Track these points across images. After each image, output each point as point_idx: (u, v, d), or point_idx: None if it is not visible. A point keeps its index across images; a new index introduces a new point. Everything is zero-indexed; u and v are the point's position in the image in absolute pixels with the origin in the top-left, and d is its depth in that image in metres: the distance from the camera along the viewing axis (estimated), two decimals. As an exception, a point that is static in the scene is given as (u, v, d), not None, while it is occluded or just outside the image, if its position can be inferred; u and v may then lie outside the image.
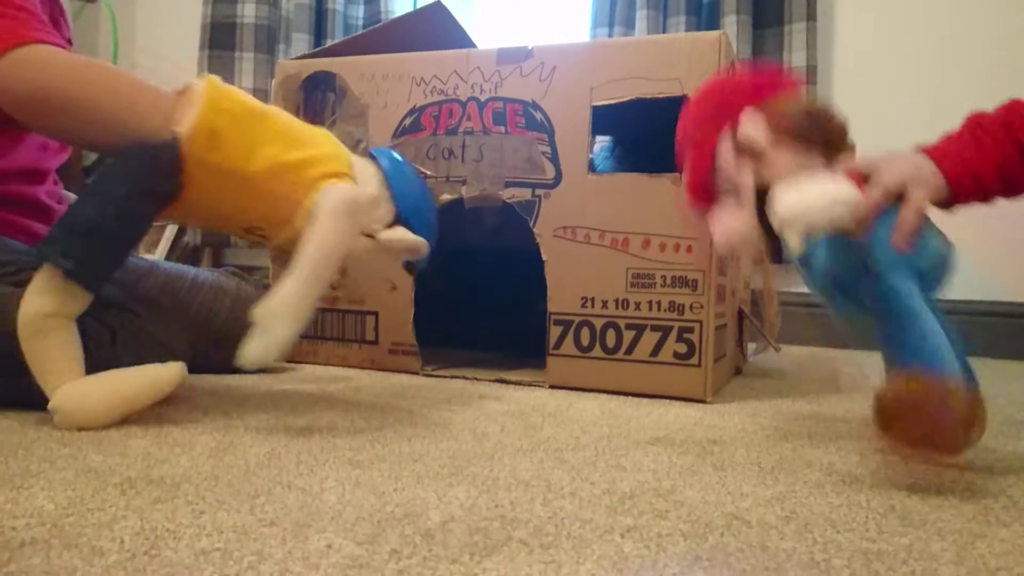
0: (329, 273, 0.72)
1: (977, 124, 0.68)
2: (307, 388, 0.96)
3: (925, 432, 0.55)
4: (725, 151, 0.69)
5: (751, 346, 1.44)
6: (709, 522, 0.49)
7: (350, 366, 1.18)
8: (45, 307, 0.68)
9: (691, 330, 0.99)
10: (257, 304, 0.68)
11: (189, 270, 1.11)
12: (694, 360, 0.98)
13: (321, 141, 0.81)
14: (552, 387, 1.04)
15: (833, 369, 1.37)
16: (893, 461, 0.66)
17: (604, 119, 1.06)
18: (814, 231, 0.62)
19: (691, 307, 0.99)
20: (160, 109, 0.75)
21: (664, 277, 1.00)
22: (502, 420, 0.80)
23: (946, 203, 0.66)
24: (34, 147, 0.95)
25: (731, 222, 0.69)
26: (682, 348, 0.99)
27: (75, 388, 0.69)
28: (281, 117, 0.80)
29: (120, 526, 0.44)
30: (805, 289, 1.91)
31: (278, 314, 0.68)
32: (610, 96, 1.03)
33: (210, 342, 1.02)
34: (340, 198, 0.73)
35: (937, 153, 0.66)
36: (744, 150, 0.67)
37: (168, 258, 2.16)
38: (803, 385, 1.14)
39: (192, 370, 0.85)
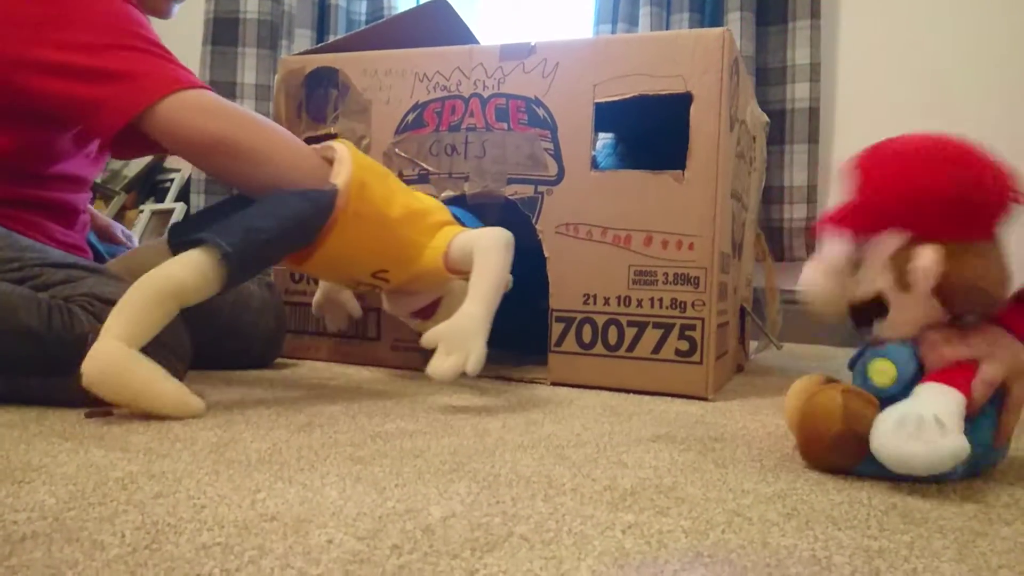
0: (500, 296, 0.86)
1: None
2: (309, 384, 0.96)
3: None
4: (885, 248, 0.64)
5: (753, 344, 1.44)
6: (710, 519, 0.49)
7: (352, 363, 1.19)
8: (179, 278, 0.73)
9: (693, 327, 0.99)
10: (436, 327, 0.82)
11: None
12: (696, 357, 0.98)
13: (423, 196, 0.97)
14: (554, 384, 1.04)
15: (835, 368, 1.37)
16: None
17: (607, 116, 1.06)
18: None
19: (693, 304, 0.99)
20: (316, 165, 0.87)
21: (666, 274, 1.00)
22: (503, 417, 0.80)
23: None
24: (82, 155, 0.97)
25: (825, 285, 0.67)
26: (684, 345, 0.99)
27: (121, 351, 0.69)
28: (393, 174, 0.96)
29: (121, 520, 0.44)
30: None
31: (469, 334, 0.81)
32: (613, 93, 1.03)
33: (212, 337, 1.02)
34: (502, 237, 0.87)
35: None
36: (897, 270, 0.63)
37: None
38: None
39: (193, 366, 0.85)
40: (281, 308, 1.13)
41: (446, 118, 1.13)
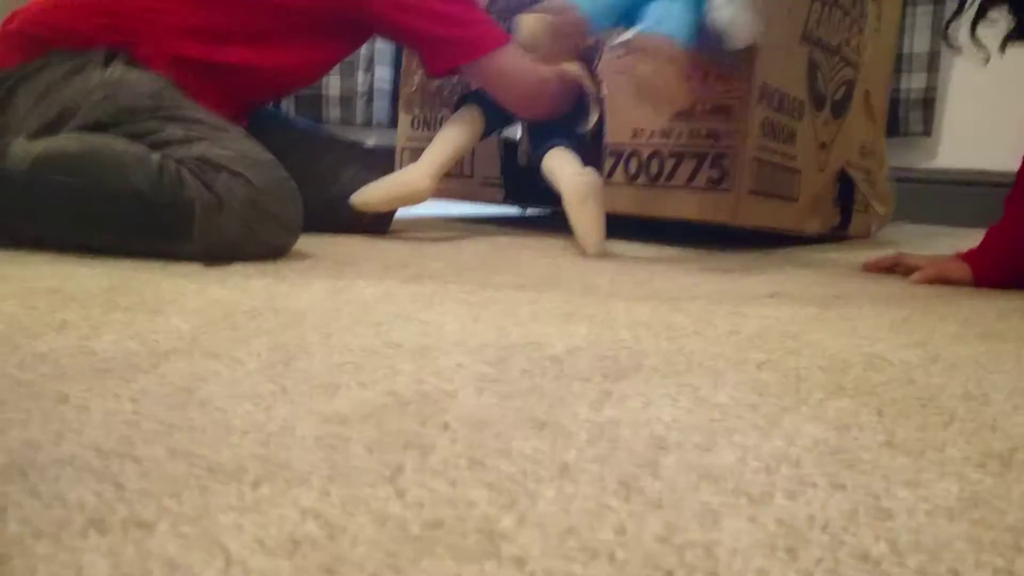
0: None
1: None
2: (412, 246, 0.96)
3: None
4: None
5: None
6: (846, 360, 0.46)
7: (448, 197, 1.27)
8: None
9: (724, 156, 0.98)
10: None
11: (324, 130, 1.18)
12: (726, 185, 0.98)
13: None
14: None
15: (953, 246, 1.30)
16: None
17: None
18: None
19: (726, 134, 0.97)
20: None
21: (704, 105, 0.99)
22: (609, 275, 0.78)
23: None
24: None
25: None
26: (715, 174, 0.99)
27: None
28: None
29: (254, 343, 0.45)
30: (934, 165, 1.79)
31: None
32: None
33: (325, 202, 1.03)
34: None
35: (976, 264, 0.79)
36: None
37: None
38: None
39: (307, 229, 0.86)
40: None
41: None
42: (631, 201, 1.05)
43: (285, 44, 0.96)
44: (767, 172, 1.01)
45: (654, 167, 1.03)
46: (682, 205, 1.01)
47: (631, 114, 1.03)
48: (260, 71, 0.96)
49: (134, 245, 0.76)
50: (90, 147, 0.77)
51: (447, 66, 1.02)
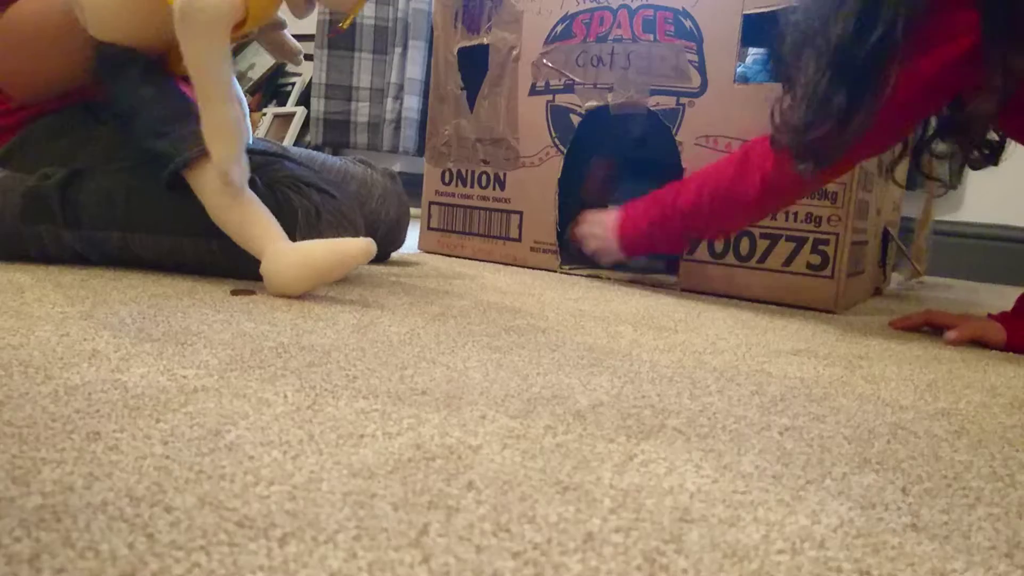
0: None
1: None
2: (435, 281, 0.97)
3: None
4: None
5: (896, 275, 1.37)
6: (872, 429, 0.46)
7: (494, 261, 1.24)
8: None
9: (826, 242, 0.95)
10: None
11: (336, 161, 1.13)
12: (827, 272, 0.96)
13: None
14: (683, 291, 1.05)
15: (978, 302, 1.28)
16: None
17: (757, 29, 1.01)
18: None
19: (828, 219, 0.95)
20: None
21: None
22: (634, 322, 0.78)
23: None
24: None
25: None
26: (816, 259, 0.96)
27: (277, 255, 0.73)
28: None
29: (281, 383, 0.45)
30: (959, 218, 1.79)
31: None
32: (764, 3, 0.97)
33: None
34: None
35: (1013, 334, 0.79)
36: None
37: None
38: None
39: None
40: (404, 198, 1.12)
41: (594, 29, 1.12)
42: (715, 280, 1.03)
43: None
44: (855, 252, 1.00)
45: (744, 247, 1.01)
46: (776, 289, 0.99)
47: None
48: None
49: (207, 251, 0.80)
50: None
51: None
